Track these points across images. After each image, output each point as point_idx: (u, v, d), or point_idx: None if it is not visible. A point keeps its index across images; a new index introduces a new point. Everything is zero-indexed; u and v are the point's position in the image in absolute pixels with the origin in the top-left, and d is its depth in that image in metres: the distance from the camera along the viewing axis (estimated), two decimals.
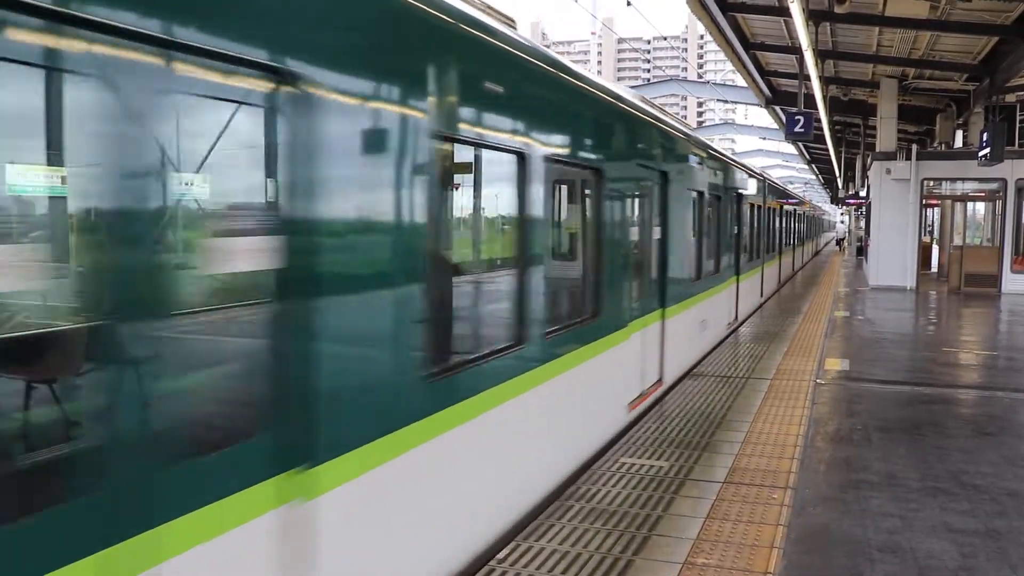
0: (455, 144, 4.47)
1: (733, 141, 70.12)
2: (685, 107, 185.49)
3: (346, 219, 3.36)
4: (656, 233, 8.40)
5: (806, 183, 72.92)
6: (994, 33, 15.64)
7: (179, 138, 2.66)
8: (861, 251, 37.56)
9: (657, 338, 8.35)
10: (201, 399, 3.16)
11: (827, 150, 32.29)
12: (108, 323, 2.43)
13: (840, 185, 45.12)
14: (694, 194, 10.11)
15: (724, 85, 35.38)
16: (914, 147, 22.09)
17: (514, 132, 4.92)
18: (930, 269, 27.01)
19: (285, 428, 2.98)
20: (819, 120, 21.26)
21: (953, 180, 22.79)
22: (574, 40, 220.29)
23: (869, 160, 24.79)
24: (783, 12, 14.94)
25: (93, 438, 2.45)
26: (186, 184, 2.89)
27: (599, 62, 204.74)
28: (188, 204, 2.95)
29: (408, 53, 3.79)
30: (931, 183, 22.28)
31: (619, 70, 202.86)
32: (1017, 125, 21.61)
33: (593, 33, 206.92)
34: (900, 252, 21.47)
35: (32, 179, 3.31)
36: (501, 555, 4.44)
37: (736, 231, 13.76)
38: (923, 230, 24.13)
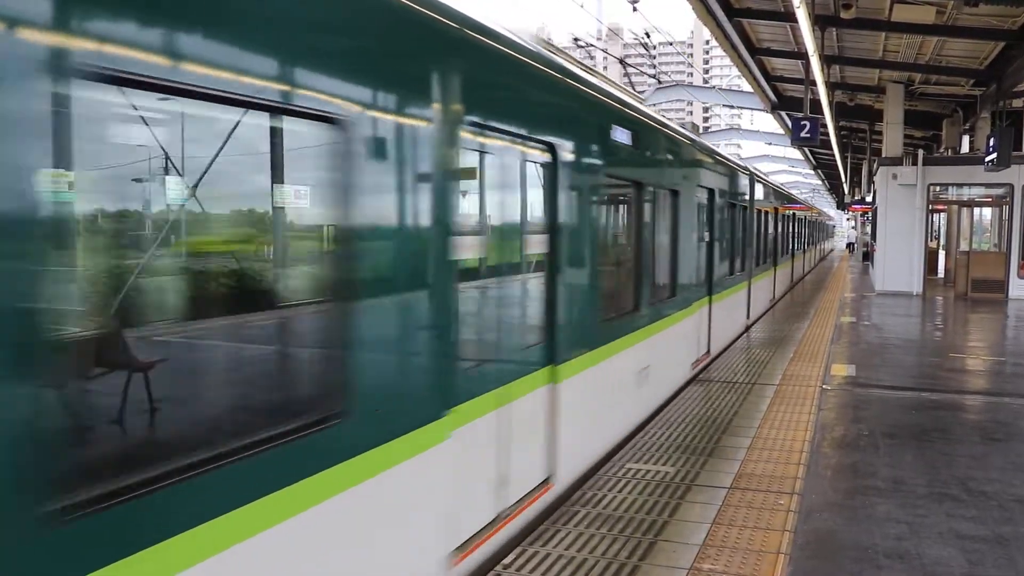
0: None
1: (739, 146, 70.05)
2: (691, 112, 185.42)
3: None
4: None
5: (812, 189, 72.86)
6: (1000, 38, 15.62)
7: None
8: (867, 256, 37.48)
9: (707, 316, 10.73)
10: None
11: (833, 155, 32.25)
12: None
13: (846, 190, 45.05)
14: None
15: (730, 90, 35.38)
16: (920, 152, 22.06)
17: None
18: (936, 274, 26.93)
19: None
20: (825, 125, 21.21)
21: (959, 185, 22.74)
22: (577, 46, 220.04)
23: (875, 165, 24.74)
24: (789, 17, 14.92)
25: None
26: None
27: (604, 67, 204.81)
28: None
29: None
30: (937, 188, 22.25)
31: (624, 75, 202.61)
32: None
33: (598, 38, 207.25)
34: (907, 257, 21.43)
35: None
36: (507, 560, 4.45)
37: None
38: (929, 235, 24.05)
